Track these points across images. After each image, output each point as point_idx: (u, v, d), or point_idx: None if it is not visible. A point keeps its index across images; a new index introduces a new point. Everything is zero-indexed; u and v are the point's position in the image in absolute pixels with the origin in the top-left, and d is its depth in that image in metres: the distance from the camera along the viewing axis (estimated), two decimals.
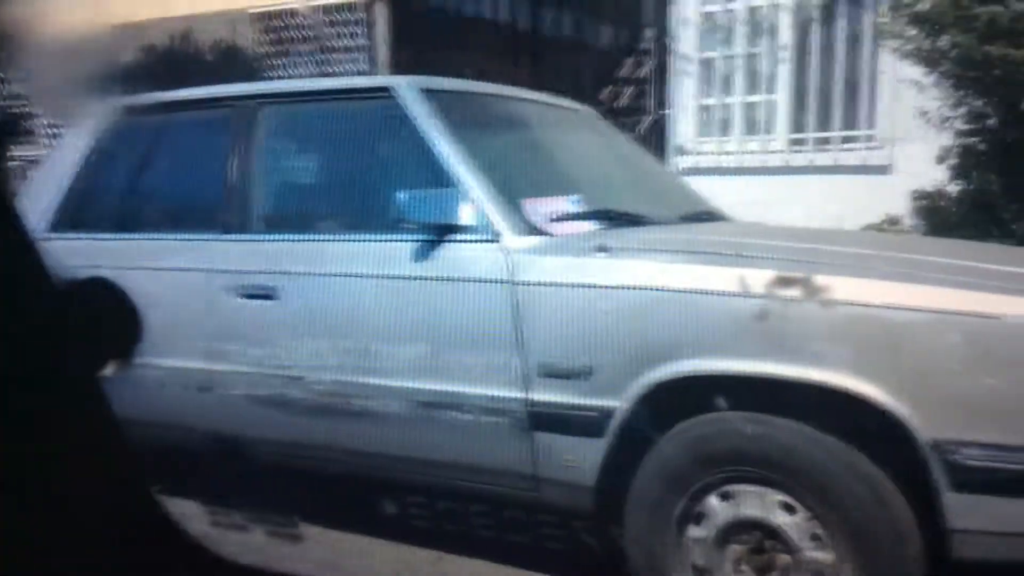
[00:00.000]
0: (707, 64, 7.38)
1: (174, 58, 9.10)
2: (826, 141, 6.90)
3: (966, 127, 5.12)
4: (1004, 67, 4.50)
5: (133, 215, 3.70)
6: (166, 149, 3.81)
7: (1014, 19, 4.45)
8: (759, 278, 2.43)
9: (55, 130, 8.27)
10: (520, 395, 2.70)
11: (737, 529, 2.44)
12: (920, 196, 5.59)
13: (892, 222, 5.88)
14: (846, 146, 6.82)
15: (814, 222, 5.01)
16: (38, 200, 3.74)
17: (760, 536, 2.41)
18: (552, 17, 8.47)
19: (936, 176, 5.44)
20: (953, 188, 5.35)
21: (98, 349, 1.43)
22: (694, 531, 2.50)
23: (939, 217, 5.37)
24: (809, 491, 2.34)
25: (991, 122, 4.98)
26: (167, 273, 3.38)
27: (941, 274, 2.52)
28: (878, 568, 2.27)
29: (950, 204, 5.35)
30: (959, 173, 5.24)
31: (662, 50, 7.73)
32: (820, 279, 2.36)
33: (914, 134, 5.73)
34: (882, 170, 6.53)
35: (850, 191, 6.43)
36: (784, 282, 2.39)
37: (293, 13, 8.98)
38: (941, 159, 5.31)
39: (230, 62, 8.90)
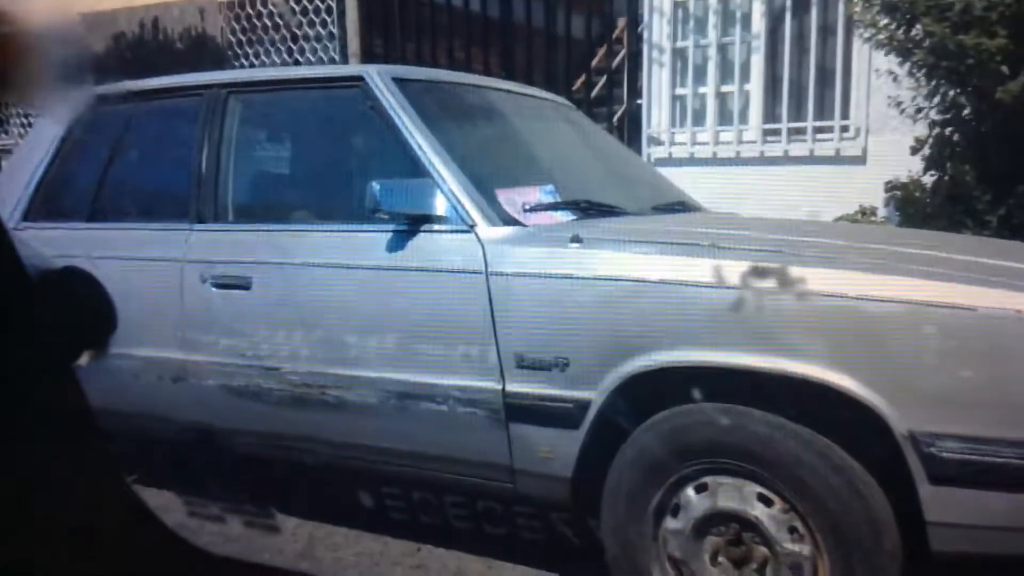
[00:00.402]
0: (680, 54, 7.37)
1: (143, 47, 9.05)
2: (800, 131, 6.90)
3: (940, 117, 5.11)
4: (978, 56, 4.49)
5: (106, 205, 3.68)
6: (137, 138, 3.82)
7: (987, 8, 4.44)
8: (734, 269, 2.43)
9: (27, 119, 8.22)
10: (495, 386, 2.71)
11: (714, 521, 2.45)
12: (894, 187, 5.57)
13: (866, 213, 5.89)
14: (820, 136, 6.81)
15: (788, 212, 5.00)
16: (11, 189, 3.78)
17: (737, 528, 2.41)
18: (524, 6, 8.44)
19: (910, 166, 5.44)
20: (927, 179, 5.34)
21: (72, 338, 1.42)
22: (671, 523, 2.51)
23: (913, 208, 5.37)
24: (786, 483, 2.35)
25: (965, 112, 4.97)
26: (141, 263, 3.37)
27: (916, 265, 2.52)
28: (855, 560, 2.27)
29: (924, 195, 5.34)
30: (933, 163, 5.23)
31: (635, 39, 7.71)
32: (795, 270, 2.38)
33: (888, 124, 5.78)
34: (856, 160, 6.56)
35: (824, 181, 6.43)
36: (759, 273, 2.40)
37: (263, 1, 8.92)
38: (915, 149, 5.30)
39: (200, 50, 8.86)
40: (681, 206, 3.77)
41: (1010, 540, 2.12)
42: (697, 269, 2.49)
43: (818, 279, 2.35)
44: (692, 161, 7.17)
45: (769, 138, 7.04)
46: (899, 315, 2.26)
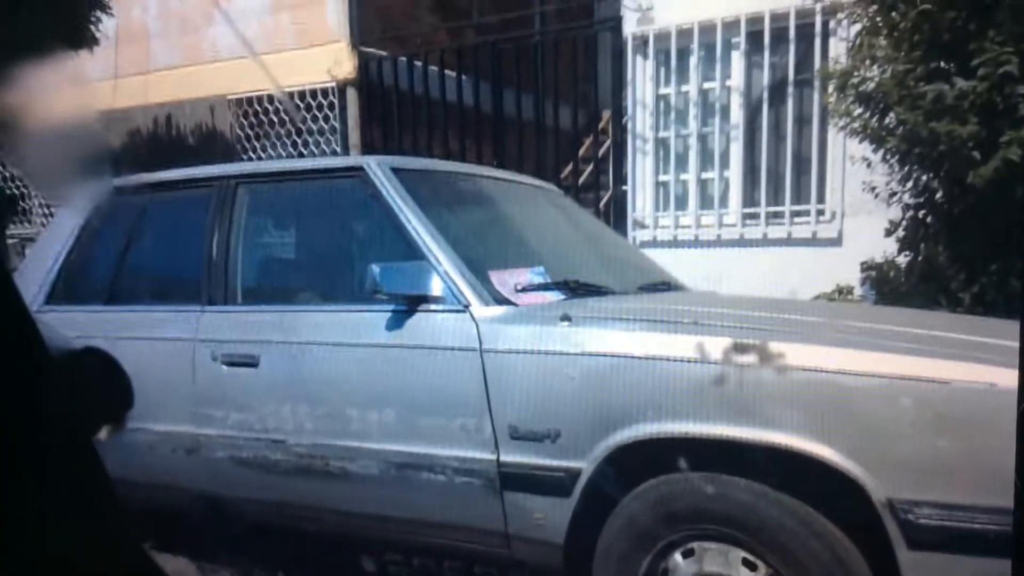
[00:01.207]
0: (663, 143, 7.45)
1: (158, 141, 9.16)
2: (778, 215, 6.95)
3: (913, 201, 5.13)
4: (950, 143, 4.51)
5: (123, 288, 3.72)
6: (152, 226, 3.86)
7: (959, 96, 4.46)
8: (716, 345, 2.44)
9: (49, 209, 8.30)
10: (490, 456, 2.71)
11: None
12: (870, 267, 5.61)
13: (843, 292, 5.92)
14: (797, 219, 6.87)
15: (768, 292, 5.04)
16: (34, 274, 3.81)
17: None
18: (514, 98, 8.57)
19: (885, 248, 5.47)
20: (902, 259, 5.36)
21: (92, 414, 1.43)
22: None
23: (888, 287, 5.40)
24: (769, 548, 2.35)
25: (938, 196, 4.98)
26: (156, 343, 3.40)
27: (892, 341, 2.54)
28: None
29: (899, 274, 5.37)
30: (907, 245, 5.25)
31: (620, 130, 7.81)
32: (775, 345, 2.39)
33: (863, 208, 5.81)
34: (832, 242, 6.61)
35: (802, 262, 6.49)
36: (740, 349, 2.41)
37: (269, 98, 9.06)
38: (889, 231, 5.32)
39: (211, 144, 8.97)
40: (665, 286, 3.78)
41: None
42: (680, 345, 2.51)
43: (797, 354, 2.36)
44: (675, 243, 7.22)
45: (748, 221, 7.09)
46: (877, 388, 2.26)
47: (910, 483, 2.21)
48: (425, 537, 2.97)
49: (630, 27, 7.44)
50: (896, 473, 2.22)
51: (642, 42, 7.41)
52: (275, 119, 9.17)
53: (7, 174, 8.45)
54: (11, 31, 5.82)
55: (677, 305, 3.20)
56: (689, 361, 2.47)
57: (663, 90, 7.41)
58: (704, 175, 7.29)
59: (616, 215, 7.62)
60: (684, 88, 7.32)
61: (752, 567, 2.38)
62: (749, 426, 2.38)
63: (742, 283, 5.46)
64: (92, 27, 7.24)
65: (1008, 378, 2.05)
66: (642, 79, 7.47)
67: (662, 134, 7.45)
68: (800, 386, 2.34)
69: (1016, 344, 0.77)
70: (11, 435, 1.06)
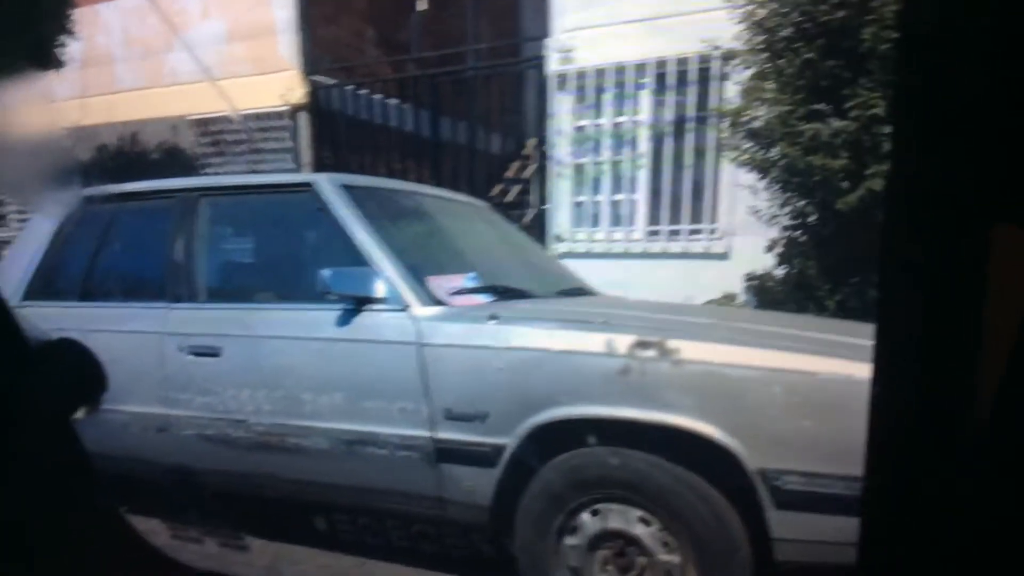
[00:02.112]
0: (579, 168, 7.45)
1: (124, 157, 8.97)
2: (677, 233, 6.99)
3: (790, 222, 5.17)
4: (823, 174, 4.57)
5: (95, 287, 3.67)
6: (121, 232, 3.80)
7: (833, 135, 4.52)
8: (622, 341, 2.51)
9: (24, 215, 8.08)
10: (428, 434, 2.76)
11: (604, 538, 2.53)
12: (752, 278, 5.68)
13: (729, 298, 5.96)
14: (693, 236, 6.91)
15: (667, 297, 5.10)
16: (12, 273, 3.74)
17: (622, 543, 2.51)
18: (450, 126, 8.61)
19: (765, 262, 5.53)
20: (779, 271, 5.42)
21: (68, 396, 1.46)
22: (570, 540, 2.59)
23: (767, 295, 5.46)
24: (661, 508, 2.44)
25: (811, 219, 5.03)
26: (127, 335, 3.37)
27: (769, 340, 2.62)
28: (715, 568, 2.36)
29: (776, 284, 5.43)
30: (784, 259, 5.31)
31: (542, 156, 7.81)
32: (672, 342, 2.46)
33: (748, 227, 5.78)
34: (722, 256, 6.65)
35: (696, 273, 6.52)
36: (643, 345, 2.48)
37: (228, 119, 8.95)
38: (769, 248, 5.38)
39: (173, 160, 8.81)
40: (579, 291, 3.84)
41: (837, 552, 2.15)
42: (592, 341, 2.57)
43: (690, 349, 2.43)
44: (589, 255, 7.20)
45: (652, 237, 7.10)
46: (755, 378, 2.35)
47: (779, 455, 2.30)
48: (370, 501, 2.99)
49: (553, 66, 7.42)
50: (767, 447, 2.32)
51: (563, 79, 7.39)
52: (232, 139, 9.04)
53: None
54: None
55: (590, 308, 3.28)
56: (599, 355, 2.54)
57: (580, 122, 7.40)
58: (615, 197, 7.30)
59: (539, 229, 7.62)
60: (599, 121, 7.32)
61: (647, 523, 2.47)
62: (648, 409, 2.46)
63: (646, 290, 5.44)
64: (58, 50, 7.08)
65: (863, 371, 2.14)
66: (562, 112, 7.45)
67: (579, 160, 7.44)
68: (691, 376, 2.42)
69: (870, 343, 0.88)
70: None
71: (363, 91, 8.88)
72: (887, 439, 0.87)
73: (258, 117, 8.89)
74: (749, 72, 5.21)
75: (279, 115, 8.80)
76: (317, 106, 8.79)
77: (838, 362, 2.29)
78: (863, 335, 2.62)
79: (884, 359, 0.85)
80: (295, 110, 8.73)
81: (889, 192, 0.83)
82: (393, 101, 8.90)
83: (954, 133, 0.78)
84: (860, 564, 0.93)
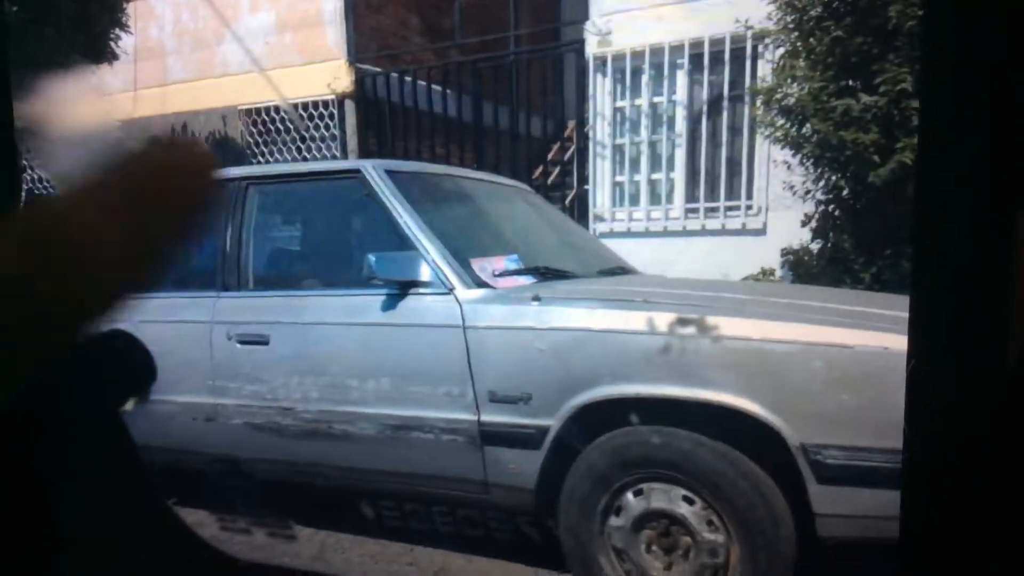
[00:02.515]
0: (619, 149, 7.46)
1: None
2: (714, 210, 6.96)
3: (824, 197, 5.19)
4: (855, 149, 4.58)
5: None
6: None
7: (863, 110, 4.54)
8: (663, 319, 2.48)
9: None
10: (472, 417, 2.73)
11: (648, 518, 2.49)
12: (788, 252, 5.66)
13: (766, 273, 5.95)
14: (730, 213, 6.88)
15: (705, 274, 5.08)
16: None
17: (667, 523, 2.46)
18: (492, 111, 8.56)
19: (801, 236, 5.53)
20: (814, 246, 5.42)
21: (118, 388, 1.45)
22: (614, 521, 2.55)
23: (803, 269, 5.44)
24: (704, 487, 2.40)
25: (844, 193, 5.05)
26: (177, 324, 3.35)
27: (806, 314, 2.58)
28: (759, 545, 2.32)
29: (812, 258, 5.42)
30: (819, 233, 5.31)
31: (582, 138, 7.82)
32: (711, 319, 2.41)
33: (783, 203, 5.84)
34: (758, 232, 6.63)
35: (733, 249, 6.52)
36: (683, 322, 2.44)
37: (275, 109, 8.98)
38: (804, 223, 5.38)
39: (223, 150, 8.88)
40: (620, 270, 3.78)
41: (879, 527, 2.13)
42: (633, 320, 2.55)
43: (729, 326, 2.40)
44: (629, 234, 7.22)
45: (690, 215, 7.09)
46: (793, 353, 2.30)
47: (819, 430, 2.26)
48: (416, 487, 2.96)
49: (591, 49, 7.42)
50: (808, 422, 2.27)
51: (602, 62, 7.39)
52: (281, 127, 9.07)
53: (36, 176, 8.34)
54: (38, 47, 5.74)
55: (630, 287, 3.24)
56: (640, 333, 2.51)
57: (619, 103, 7.40)
58: (653, 176, 7.29)
59: (579, 210, 7.62)
60: (637, 102, 7.31)
61: (690, 502, 2.43)
62: (689, 387, 2.42)
63: (684, 267, 5.51)
64: (112, 44, 7.12)
65: (899, 343, 2.10)
66: (601, 94, 7.46)
67: (618, 141, 7.45)
68: (731, 352, 2.38)
69: (906, 315, 0.84)
70: (46, 408, 1.10)
71: (407, 78, 8.85)
72: (925, 412, 0.82)
73: (306, 106, 8.91)
74: (781, 51, 5.28)
75: (326, 103, 8.82)
76: (363, 94, 8.80)
77: (874, 335, 2.25)
78: (898, 307, 2.60)
79: (920, 334, 0.81)
80: (341, 98, 8.74)
81: (920, 172, 0.79)
82: (436, 87, 8.86)
83: (981, 118, 0.73)
84: (902, 536, 0.88)
